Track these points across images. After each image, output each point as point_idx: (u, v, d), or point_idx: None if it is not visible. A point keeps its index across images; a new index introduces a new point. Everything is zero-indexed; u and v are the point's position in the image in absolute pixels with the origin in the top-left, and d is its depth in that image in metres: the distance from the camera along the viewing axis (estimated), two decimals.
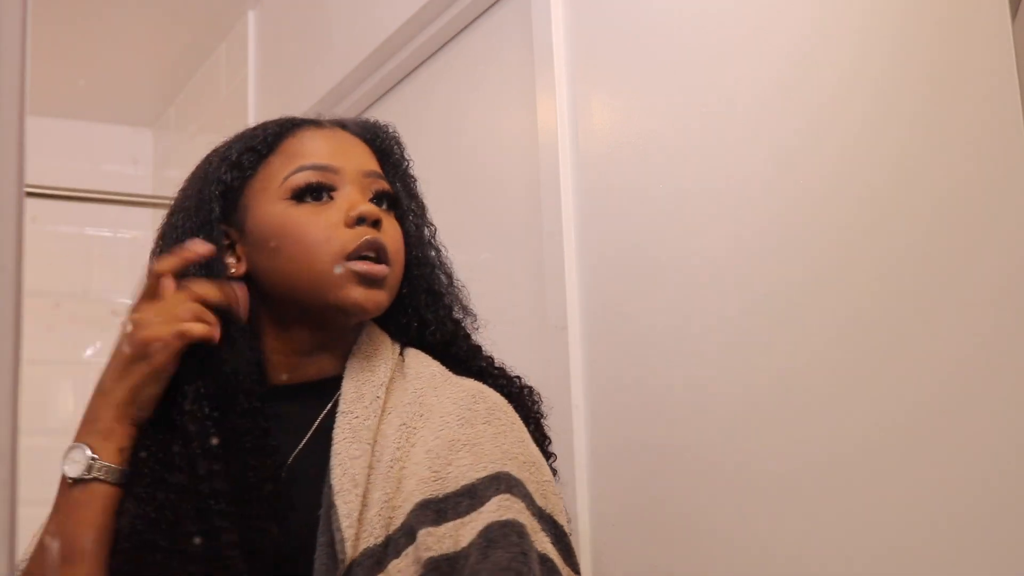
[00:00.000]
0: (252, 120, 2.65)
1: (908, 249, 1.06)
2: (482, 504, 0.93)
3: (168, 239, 1.10)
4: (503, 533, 0.90)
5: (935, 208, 1.03)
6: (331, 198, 1.06)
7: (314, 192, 1.06)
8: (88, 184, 2.85)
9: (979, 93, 1.00)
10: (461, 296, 1.16)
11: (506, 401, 1.04)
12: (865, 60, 1.12)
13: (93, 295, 3.29)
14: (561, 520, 0.99)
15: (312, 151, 1.08)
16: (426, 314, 1.13)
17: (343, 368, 1.07)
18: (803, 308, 1.17)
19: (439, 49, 2.01)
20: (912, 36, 1.07)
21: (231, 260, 1.08)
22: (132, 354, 1.00)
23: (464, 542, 0.91)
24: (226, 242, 1.08)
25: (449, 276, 1.16)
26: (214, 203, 1.08)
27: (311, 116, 1.16)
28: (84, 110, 3.29)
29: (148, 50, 2.98)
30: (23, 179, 0.50)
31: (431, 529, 0.91)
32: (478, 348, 1.15)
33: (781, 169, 1.21)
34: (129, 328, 1.01)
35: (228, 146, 1.13)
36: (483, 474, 0.95)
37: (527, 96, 1.69)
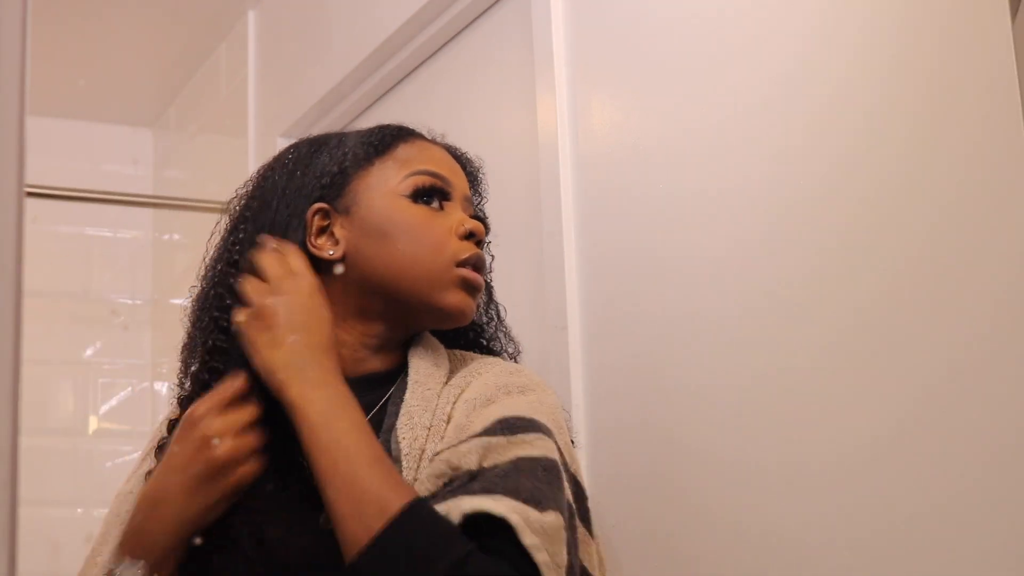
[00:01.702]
0: (252, 120, 2.66)
1: (908, 249, 1.06)
2: (514, 434, 0.96)
3: (257, 220, 1.10)
4: (528, 467, 0.94)
5: (935, 209, 1.03)
6: (442, 208, 1.11)
7: (431, 196, 1.10)
8: (88, 184, 2.84)
9: (979, 93, 1.00)
10: (509, 330, 1.21)
11: (546, 383, 1.09)
12: (865, 61, 1.12)
13: (93, 295, 3.29)
14: (583, 483, 1.04)
15: (431, 159, 1.13)
16: (484, 336, 1.19)
17: (399, 362, 1.10)
18: (804, 308, 1.17)
19: (439, 49, 2.01)
20: (912, 36, 1.07)
21: (326, 241, 1.09)
22: (208, 469, 0.97)
23: (486, 463, 0.94)
24: (324, 223, 1.09)
25: (499, 309, 1.21)
26: (315, 186, 1.09)
27: (368, 125, 1.20)
28: (84, 110, 3.29)
29: (148, 50, 2.98)
30: (23, 179, 0.50)
31: (454, 447, 0.96)
32: None
33: (782, 169, 1.21)
34: (198, 435, 0.98)
35: (336, 138, 1.15)
36: (516, 414, 0.99)
37: (527, 96, 1.69)
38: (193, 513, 0.97)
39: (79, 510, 3.05)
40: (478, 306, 1.17)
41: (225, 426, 0.98)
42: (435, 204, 1.10)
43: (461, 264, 1.08)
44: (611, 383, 1.46)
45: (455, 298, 1.07)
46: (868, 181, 1.10)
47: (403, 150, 1.12)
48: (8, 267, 0.48)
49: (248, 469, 0.98)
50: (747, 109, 1.26)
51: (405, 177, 1.10)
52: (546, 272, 1.57)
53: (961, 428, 0.99)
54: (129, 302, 3.31)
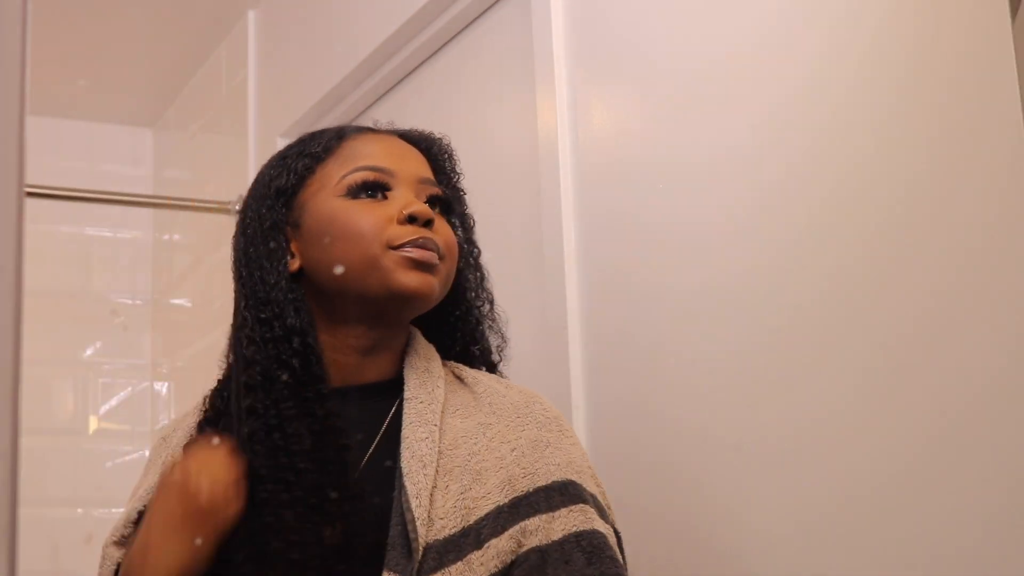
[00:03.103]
0: (252, 120, 2.66)
1: (915, 258, 1.06)
2: (572, 503, 0.98)
3: (242, 243, 1.11)
4: (600, 544, 0.96)
5: (935, 211, 1.03)
6: (385, 197, 1.09)
7: (369, 189, 1.09)
8: (88, 184, 2.84)
9: (979, 93, 1.00)
10: (500, 322, 1.19)
11: (560, 414, 1.09)
12: (870, 61, 1.12)
13: (93, 295, 3.29)
14: (618, 529, 1.04)
15: (369, 154, 1.11)
16: (474, 333, 1.17)
17: (400, 370, 1.09)
18: (800, 296, 1.17)
19: (439, 49, 2.01)
20: (912, 37, 1.07)
21: (286, 258, 1.09)
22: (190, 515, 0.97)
23: (555, 536, 0.95)
24: (286, 238, 1.10)
25: (491, 299, 1.19)
26: (275, 205, 1.10)
27: (366, 124, 1.19)
28: (84, 110, 3.29)
29: (148, 50, 2.98)
30: (23, 179, 0.50)
31: (524, 523, 0.96)
32: (501, 373, 1.19)
33: (781, 163, 1.21)
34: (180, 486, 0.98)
35: (284, 152, 1.15)
36: (571, 476, 1.00)
37: (527, 96, 1.69)
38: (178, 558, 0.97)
39: (79, 510, 3.05)
40: (472, 294, 1.16)
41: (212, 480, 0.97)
42: (378, 196, 1.08)
43: (399, 248, 1.05)
44: (611, 383, 1.46)
45: (402, 278, 1.04)
46: (876, 186, 1.10)
47: (343, 150, 1.12)
48: (8, 267, 0.48)
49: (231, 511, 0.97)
50: (748, 108, 1.26)
51: (340, 179, 1.09)
52: (546, 272, 1.57)
53: (981, 450, 0.99)
54: (129, 302, 3.31)
